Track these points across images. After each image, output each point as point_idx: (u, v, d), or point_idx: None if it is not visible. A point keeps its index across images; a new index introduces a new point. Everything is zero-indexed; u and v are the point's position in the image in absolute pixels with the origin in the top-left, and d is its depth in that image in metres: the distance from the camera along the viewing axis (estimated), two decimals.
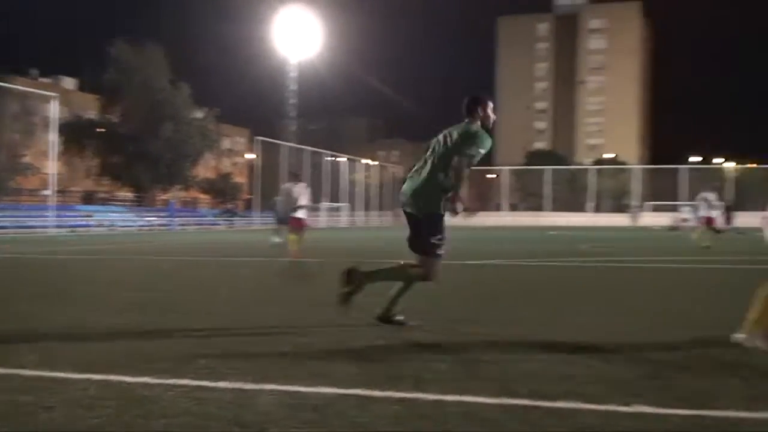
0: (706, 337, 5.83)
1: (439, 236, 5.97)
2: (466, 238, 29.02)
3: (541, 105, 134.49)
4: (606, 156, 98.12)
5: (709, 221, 21.33)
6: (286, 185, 15.63)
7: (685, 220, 46.46)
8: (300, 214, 15.28)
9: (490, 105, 6.27)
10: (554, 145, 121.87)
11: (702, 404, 3.70)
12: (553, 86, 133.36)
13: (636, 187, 68.38)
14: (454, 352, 5.06)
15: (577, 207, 69.24)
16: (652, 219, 53.88)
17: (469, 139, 5.97)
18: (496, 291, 9.08)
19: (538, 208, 71.26)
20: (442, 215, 6.00)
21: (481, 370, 4.46)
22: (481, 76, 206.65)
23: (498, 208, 74.12)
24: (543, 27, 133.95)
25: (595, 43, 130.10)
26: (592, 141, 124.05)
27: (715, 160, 78.33)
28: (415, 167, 6.22)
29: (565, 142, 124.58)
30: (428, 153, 6.14)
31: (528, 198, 79.34)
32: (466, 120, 6.15)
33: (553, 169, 73.67)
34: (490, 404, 3.68)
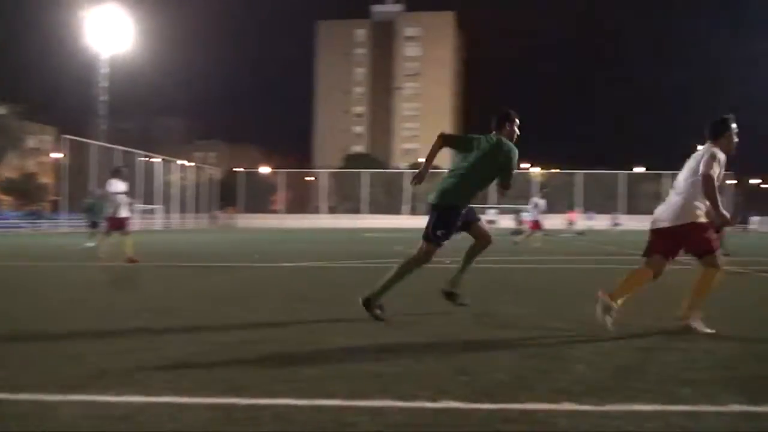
0: (512, 334, 6.14)
1: (443, 230, 6.72)
2: (281, 240, 28.99)
3: (359, 109, 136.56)
4: (421, 160, 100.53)
5: (536, 224, 23.00)
6: (111, 181, 15.00)
7: (491, 222, 48.80)
8: (124, 213, 14.81)
9: (517, 121, 7.05)
10: (372, 148, 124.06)
11: (503, 398, 3.89)
12: (371, 91, 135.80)
13: None
14: (269, 356, 5.05)
15: (394, 210, 70.79)
16: None
17: (506, 157, 6.77)
18: (308, 293, 9.11)
19: (355, 210, 72.32)
20: (458, 212, 6.74)
21: (297, 373, 4.48)
22: (299, 79, 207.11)
23: (316, 211, 74.75)
24: (361, 33, 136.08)
25: (410, 50, 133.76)
26: (408, 146, 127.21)
27: (522, 165, 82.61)
28: (453, 167, 6.95)
29: (382, 146, 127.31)
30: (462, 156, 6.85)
31: (346, 200, 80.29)
32: (494, 132, 6.90)
33: (371, 173, 75.17)
34: (304, 406, 3.71)
